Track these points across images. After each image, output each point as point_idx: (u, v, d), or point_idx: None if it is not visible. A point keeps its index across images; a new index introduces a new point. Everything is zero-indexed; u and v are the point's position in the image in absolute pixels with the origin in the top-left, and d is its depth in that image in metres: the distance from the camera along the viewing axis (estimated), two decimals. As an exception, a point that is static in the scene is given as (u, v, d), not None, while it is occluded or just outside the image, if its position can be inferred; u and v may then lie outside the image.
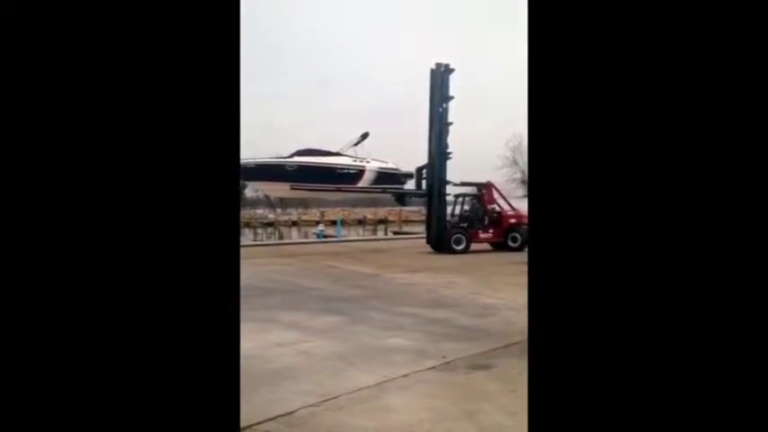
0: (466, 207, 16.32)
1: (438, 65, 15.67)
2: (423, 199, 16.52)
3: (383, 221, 46.87)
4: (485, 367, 4.27)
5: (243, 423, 3.10)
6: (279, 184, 15.68)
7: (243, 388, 3.66)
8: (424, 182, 15.99)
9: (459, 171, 16.19)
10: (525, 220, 15.48)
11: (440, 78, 15.56)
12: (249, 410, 3.30)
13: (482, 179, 17.07)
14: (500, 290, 8.37)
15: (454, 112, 15.51)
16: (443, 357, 4.51)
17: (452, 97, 15.60)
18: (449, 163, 15.45)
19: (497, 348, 4.77)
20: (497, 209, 16.22)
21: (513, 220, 15.91)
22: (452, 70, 15.72)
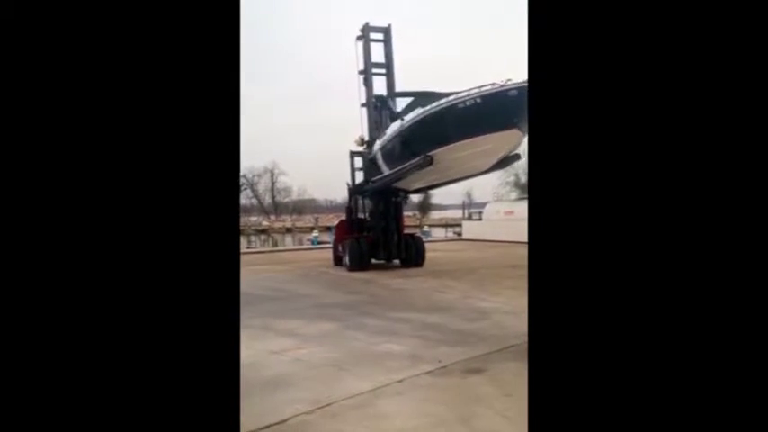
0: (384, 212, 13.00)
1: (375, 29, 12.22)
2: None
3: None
4: (479, 371, 4.25)
5: (236, 432, 3.07)
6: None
7: (236, 397, 3.66)
8: None
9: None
10: None
11: (369, 50, 12.25)
12: (242, 419, 3.26)
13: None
14: (495, 293, 8.36)
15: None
16: (439, 362, 4.49)
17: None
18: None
19: (491, 353, 4.76)
20: None
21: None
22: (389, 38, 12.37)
